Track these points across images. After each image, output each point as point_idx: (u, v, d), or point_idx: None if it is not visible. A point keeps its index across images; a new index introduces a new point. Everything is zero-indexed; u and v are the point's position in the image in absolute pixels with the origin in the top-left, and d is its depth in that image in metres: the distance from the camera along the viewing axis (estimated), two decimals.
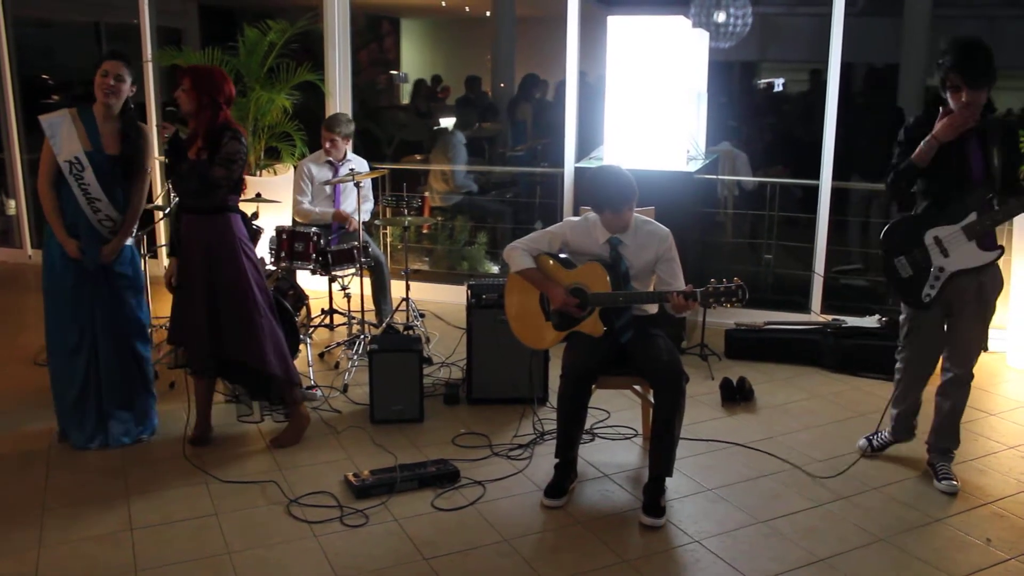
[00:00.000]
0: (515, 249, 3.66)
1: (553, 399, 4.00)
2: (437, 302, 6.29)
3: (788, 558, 3.05)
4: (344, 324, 5.50)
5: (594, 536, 3.21)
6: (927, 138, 3.31)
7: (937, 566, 3.01)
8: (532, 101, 8.84)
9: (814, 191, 5.74)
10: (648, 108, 5.15)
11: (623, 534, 3.23)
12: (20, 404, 4.32)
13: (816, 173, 5.70)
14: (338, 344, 5.25)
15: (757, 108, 9.38)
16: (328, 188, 5.46)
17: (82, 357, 3.81)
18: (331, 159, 5.51)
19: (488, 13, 10.13)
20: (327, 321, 5.61)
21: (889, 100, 8.05)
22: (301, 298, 5.05)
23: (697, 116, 5.62)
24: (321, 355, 5.16)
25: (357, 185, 4.99)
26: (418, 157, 8.59)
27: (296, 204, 5.54)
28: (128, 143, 3.77)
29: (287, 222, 5.78)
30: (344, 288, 5.26)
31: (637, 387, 3.92)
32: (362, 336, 5.04)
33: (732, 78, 9.40)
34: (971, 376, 3.54)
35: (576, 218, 3.73)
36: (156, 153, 6.42)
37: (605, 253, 3.55)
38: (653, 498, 3.32)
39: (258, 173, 6.44)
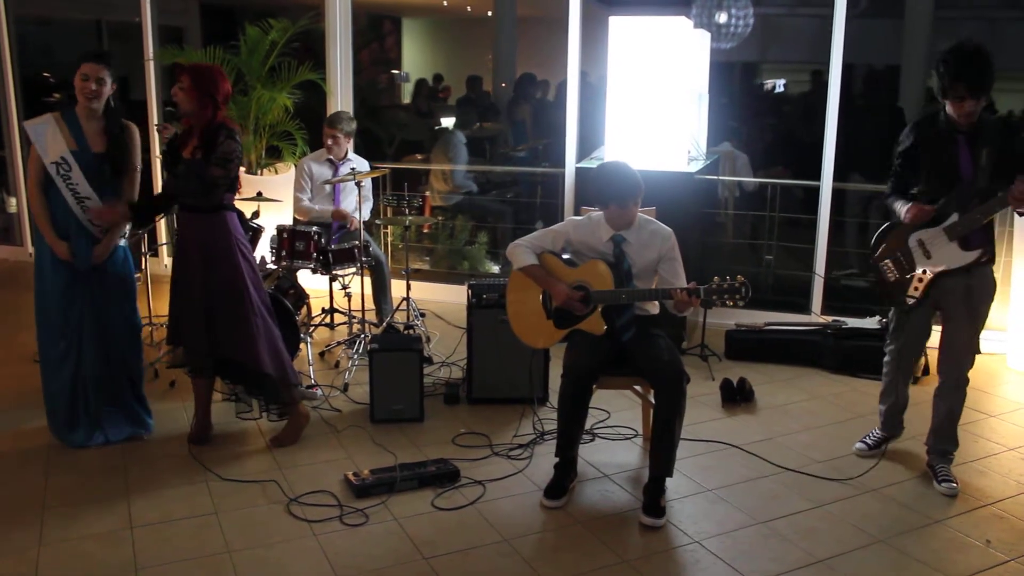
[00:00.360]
0: (518, 247, 3.67)
1: (553, 399, 4.00)
2: (437, 302, 6.29)
3: (787, 559, 3.05)
4: (344, 323, 5.50)
5: (594, 536, 3.21)
6: (906, 211, 3.44)
7: (936, 567, 3.01)
8: (531, 101, 8.84)
9: (815, 192, 5.74)
10: (649, 109, 5.15)
11: (623, 534, 3.23)
12: (20, 402, 4.32)
13: (817, 174, 5.70)
14: (338, 343, 5.25)
15: (758, 109, 9.38)
16: (328, 187, 5.46)
17: (70, 362, 3.80)
18: (331, 158, 5.51)
19: (489, 13, 10.13)
20: (327, 320, 5.61)
21: (890, 101, 8.05)
22: (302, 297, 5.06)
23: (698, 117, 5.62)
24: (321, 354, 5.16)
25: (358, 185, 4.99)
26: (419, 157, 8.59)
27: (296, 201, 5.54)
28: (113, 140, 3.76)
29: (288, 221, 5.78)
30: (345, 287, 5.26)
31: (637, 387, 3.93)
32: (362, 335, 5.04)
33: (733, 79, 9.40)
34: (965, 380, 3.56)
35: (579, 217, 3.74)
36: (156, 152, 6.44)
37: (609, 251, 3.56)
38: (653, 498, 3.32)
39: (259, 172, 6.45)
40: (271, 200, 5.17)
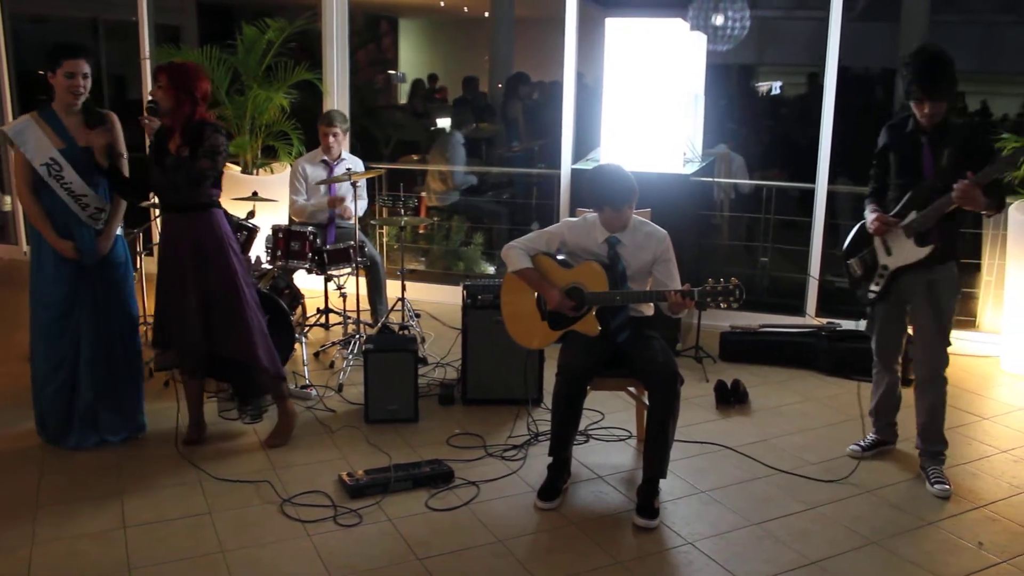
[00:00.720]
0: (513, 248, 3.67)
1: (548, 400, 4.00)
2: (433, 302, 6.29)
3: (780, 560, 3.06)
4: (339, 323, 5.50)
5: (587, 537, 3.21)
6: (871, 221, 3.63)
7: (929, 569, 3.02)
8: (523, 100, 8.81)
9: (810, 194, 5.75)
10: (645, 110, 5.16)
11: (617, 535, 3.24)
12: (13, 402, 4.30)
13: (812, 176, 5.71)
14: (333, 343, 5.25)
15: (754, 111, 9.39)
16: (323, 187, 5.46)
17: (65, 371, 3.79)
18: (326, 158, 5.51)
19: (486, 14, 10.14)
20: (323, 320, 5.61)
21: (886, 104, 8.07)
22: (297, 297, 5.05)
23: (694, 119, 5.63)
24: (316, 354, 5.16)
25: (354, 185, 4.98)
26: (415, 157, 8.59)
27: (291, 204, 5.53)
28: (96, 131, 3.70)
29: (283, 221, 5.78)
30: (340, 287, 5.26)
31: (632, 388, 3.93)
32: (357, 336, 5.04)
33: (730, 81, 9.41)
34: (940, 376, 3.62)
35: (574, 219, 3.74)
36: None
37: (603, 253, 3.56)
38: (647, 500, 3.33)
39: (255, 172, 6.44)
40: (267, 200, 5.16)
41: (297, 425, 4.06)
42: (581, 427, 3.80)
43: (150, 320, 5.16)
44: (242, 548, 3.08)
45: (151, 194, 3.97)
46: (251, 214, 4.95)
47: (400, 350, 4.23)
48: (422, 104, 9.88)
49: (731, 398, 4.56)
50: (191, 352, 3.74)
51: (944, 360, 3.61)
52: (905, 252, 3.57)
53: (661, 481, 3.42)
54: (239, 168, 6.44)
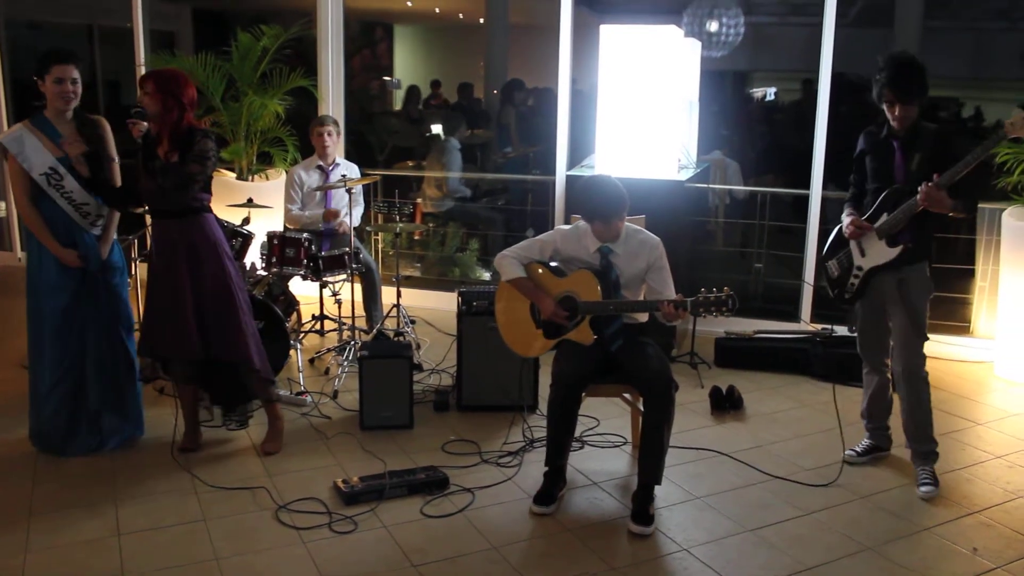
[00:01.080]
0: (505, 258, 3.67)
1: (543, 407, 4.00)
2: (428, 309, 6.29)
3: (776, 566, 3.06)
4: (335, 330, 5.50)
5: (582, 544, 3.21)
6: (846, 225, 3.74)
7: (923, 575, 3.03)
8: (517, 107, 8.83)
9: (804, 200, 5.77)
10: (640, 117, 5.17)
11: (612, 542, 3.24)
12: (7, 409, 4.29)
13: (807, 182, 5.73)
14: (328, 350, 5.25)
15: (749, 117, 9.42)
16: (319, 194, 5.46)
17: (72, 374, 3.78)
18: (322, 164, 5.50)
19: (481, 20, 10.16)
20: (318, 327, 5.61)
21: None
22: (292, 303, 5.04)
23: (689, 125, 5.64)
24: (311, 361, 5.16)
25: (349, 191, 4.99)
26: (410, 163, 8.59)
27: (286, 212, 5.53)
28: (90, 137, 3.71)
29: (278, 227, 5.77)
30: (335, 294, 5.25)
31: (627, 395, 3.93)
32: (352, 342, 5.04)
33: (724, 87, 9.44)
34: (913, 373, 3.64)
35: (567, 226, 3.74)
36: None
37: (596, 261, 3.56)
38: (642, 506, 3.33)
39: (250, 178, 6.44)
40: (262, 207, 5.16)
41: (292, 431, 4.06)
42: (576, 433, 3.80)
43: None
44: (237, 555, 3.07)
45: (142, 202, 3.96)
46: (246, 220, 4.95)
47: (395, 356, 4.22)
48: (417, 110, 9.90)
49: (726, 404, 4.57)
50: (184, 358, 3.73)
51: (920, 358, 3.64)
52: (877, 253, 3.64)
53: (656, 487, 3.41)
54: (234, 175, 6.44)
